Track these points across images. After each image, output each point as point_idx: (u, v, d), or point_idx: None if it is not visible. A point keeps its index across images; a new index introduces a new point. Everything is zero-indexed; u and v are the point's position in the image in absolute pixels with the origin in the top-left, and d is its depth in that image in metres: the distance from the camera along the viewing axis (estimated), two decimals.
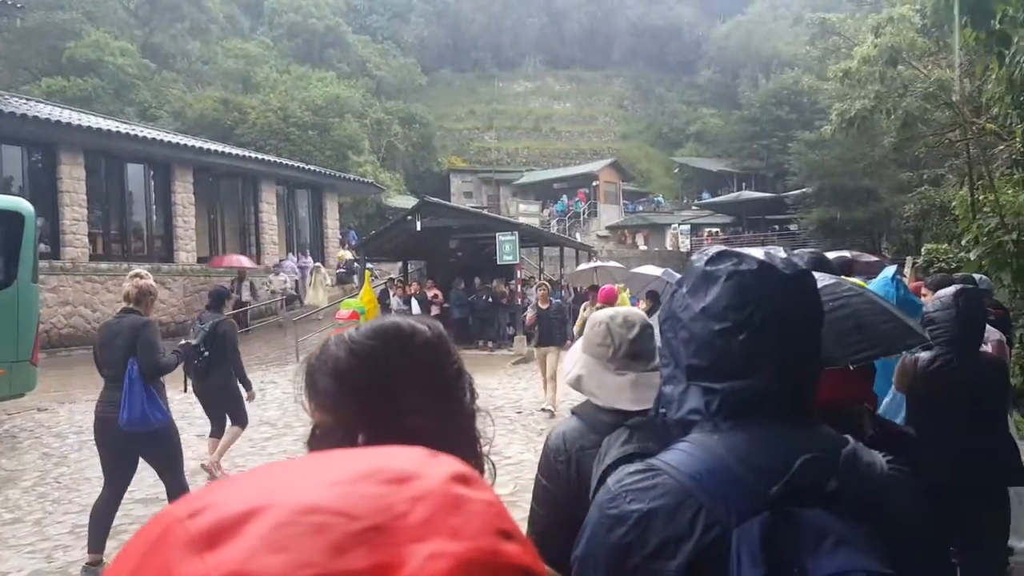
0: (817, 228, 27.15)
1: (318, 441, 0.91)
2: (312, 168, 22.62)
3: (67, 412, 9.68)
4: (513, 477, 6.40)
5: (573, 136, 45.94)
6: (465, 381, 0.98)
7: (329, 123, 29.82)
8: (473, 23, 50.14)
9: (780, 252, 1.06)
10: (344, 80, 36.29)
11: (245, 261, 18.59)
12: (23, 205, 8.95)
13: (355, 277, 19.62)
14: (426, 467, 0.42)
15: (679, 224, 33.03)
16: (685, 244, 31.05)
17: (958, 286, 3.17)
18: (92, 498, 4.86)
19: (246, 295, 17.74)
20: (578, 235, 31.41)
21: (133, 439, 4.53)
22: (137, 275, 4.97)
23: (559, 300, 11.20)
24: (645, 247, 32.73)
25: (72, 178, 15.66)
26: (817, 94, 27.95)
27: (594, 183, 36.40)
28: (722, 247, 1.05)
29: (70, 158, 15.62)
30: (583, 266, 17.10)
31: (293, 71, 36.07)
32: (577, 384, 1.81)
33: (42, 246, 11.55)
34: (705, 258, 1.04)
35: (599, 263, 17.30)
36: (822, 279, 1.67)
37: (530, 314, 10.58)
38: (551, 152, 44.24)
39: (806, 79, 33.26)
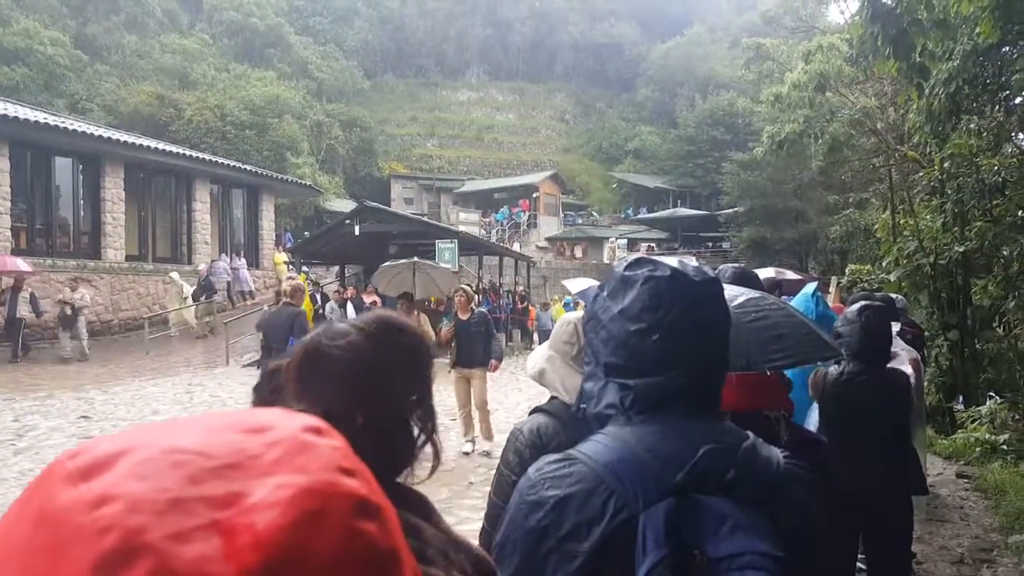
0: (748, 246, 28.01)
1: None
2: (248, 168, 22.26)
3: None
4: (445, 484, 6.44)
5: (515, 147, 46.40)
6: (432, 373, 1.05)
7: (267, 123, 29.38)
8: (417, 30, 50.11)
9: (692, 261, 1.16)
10: (284, 81, 35.79)
11: (22, 264, 14.08)
12: None
13: (210, 295, 17.68)
14: (282, 420, 0.48)
15: (616, 238, 33.84)
16: (622, 257, 31.78)
17: (863, 303, 3.32)
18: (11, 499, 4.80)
19: (23, 310, 13.75)
20: (518, 245, 31.81)
21: None
22: (291, 276, 8.98)
23: (485, 309, 9.10)
24: (583, 259, 33.39)
25: None
26: (751, 116, 28.62)
27: (534, 194, 36.94)
28: (640, 255, 1.30)
29: None
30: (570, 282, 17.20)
31: (232, 69, 35.36)
32: (540, 377, 1.86)
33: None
34: (624, 264, 1.12)
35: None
36: (746, 292, 1.89)
37: (445, 329, 8.31)
38: (492, 162, 44.58)
39: (741, 101, 34.28)
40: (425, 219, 25.08)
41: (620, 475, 0.96)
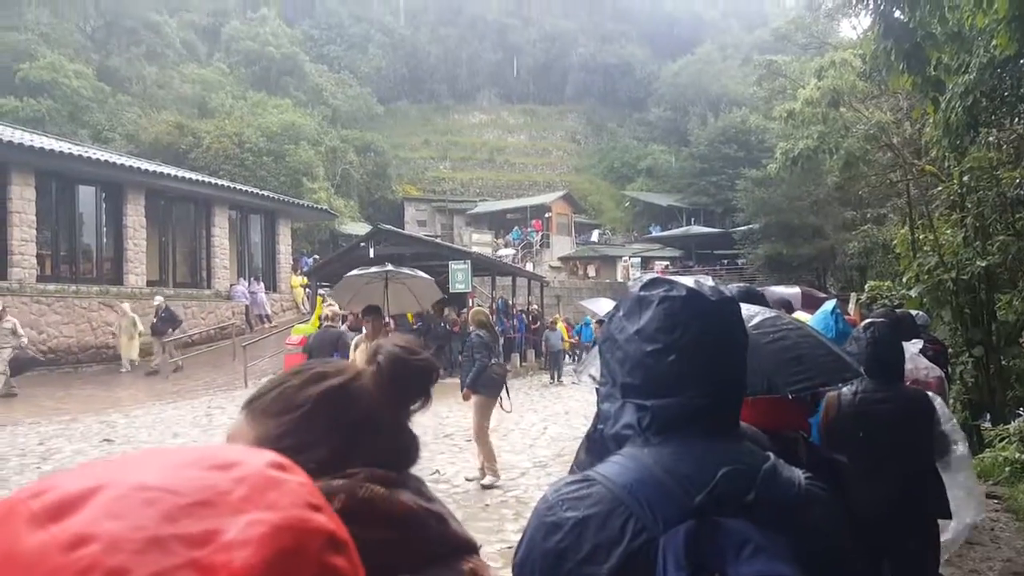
0: (764, 263, 27.76)
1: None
2: (266, 193, 22.57)
3: (10, 434, 9.43)
4: (461, 506, 6.40)
5: (526, 168, 46.71)
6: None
7: (284, 149, 29.78)
8: (429, 55, 50.79)
9: (708, 281, 1.16)
10: (300, 108, 36.31)
11: None
12: None
13: (172, 328, 16.19)
14: (247, 456, 0.49)
15: (630, 257, 33.78)
16: (636, 276, 31.73)
17: (869, 319, 3.27)
18: None
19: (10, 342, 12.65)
20: (531, 265, 31.87)
21: None
22: (330, 304, 10.15)
23: (477, 335, 7.59)
24: (596, 278, 33.36)
25: (22, 199, 15.40)
26: (764, 133, 28.63)
27: (547, 214, 37.11)
28: (655, 275, 1.29)
29: (21, 179, 15.37)
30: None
31: (249, 98, 35.93)
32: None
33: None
34: (640, 284, 1.12)
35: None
36: (762, 312, 1.87)
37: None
38: (504, 183, 44.89)
39: (753, 118, 34.29)
40: (438, 240, 25.23)
41: (639, 497, 0.96)
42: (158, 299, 16.14)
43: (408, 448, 0.95)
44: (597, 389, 1.66)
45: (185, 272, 20.02)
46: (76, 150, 17.02)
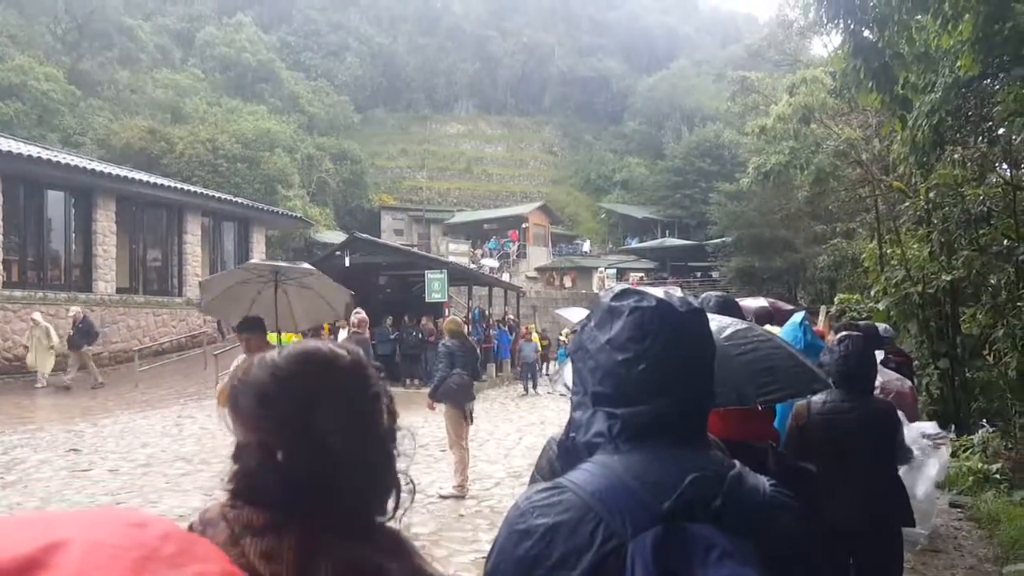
0: (736, 276, 28.01)
1: (240, 457, 0.95)
2: (239, 200, 22.31)
3: None
4: (435, 516, 6.39)
5: (504, 179, 46.86)
6: (383, 404, 1.01)
7: (259, 156, 29.50)
8: (407, 65, 50.79)
9: (677, 292, 1.18)
10: (276, 115, 36.03)
11: None
12: None
13: (89, 342, 14.97)
14: (145, 517, 0.52)
15: (606, 268, 33.99)
16: (611, 287, 31.86)
17: (843, 333, 3.32)
18: None
19: None
20: (508, 275, 31.90)
21: None
22: (357, 311, 9.06)
23: (445, 344, 7.85)
24: (572, 288, 33.50)
25: None
26: (737, 147, 28.96)
27: (523, 225, 37.23)
28: (626, 285, 1.23)
29: None
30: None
31: (224, 104, 35.56)
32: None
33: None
34: (611, 295, 1.13)
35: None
36: (734, 323, 1.89)
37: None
38: (481, 193, 44.96)
39: (727, 133, 34.77)
40: (415, 250, 25.15)
41: (608, 503, 0.97)
42: (74, 309, 15.03)
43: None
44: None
45: (156, 279, 19.69)
46: (45, 154, 16.65)
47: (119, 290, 18.02)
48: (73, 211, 17.40)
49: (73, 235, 17.44)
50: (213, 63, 40.12)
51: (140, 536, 0.47)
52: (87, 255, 17.38)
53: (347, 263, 17.11)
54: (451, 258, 27.26)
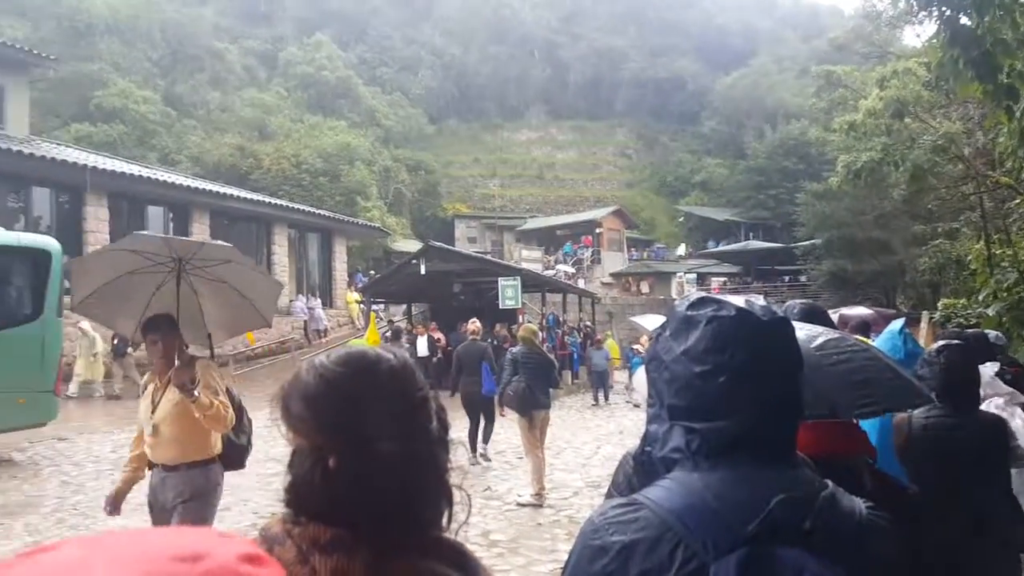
0: (828, 280, 26.67)
1: (294, 465, 0.95)
2: (322, 212, 23.13)
3: (85, 442, 9.85)
4: (513, 523, 6.35)
5: (576, 184, 46.65)
6: (431, 409, 1.00)
7: (339, 170, 30.57)
8: (479, 75, 51.45)
9: (759, 300, 1.11)
10: (354, 129, 37.24)
11: None
12: (51, 243, 9.26)
13: (129, 349, 14.49)
14: (216, 547, 0.48)
15: (685, 272, 33.15)
16: (691, 293, 31.04)
17: (943, 342, 3.10)
18: (107, 526, 5.11)
19: None
20: (582, 281, 31.73)
21: (483, 400, 8.84)
22: (473, 321, 10.21)
23: (511, 351, 8.20)
24: (650, 294, 32.93)
25: (97, 219, 16.19)
26: (824, 145, 27.52)
27: (597, 230, 36.88)
28: (703, 293, 1.14)
29: (95, 200, 16.18)
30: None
31: (306, 120, 37.07)
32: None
33: (67, 283, 11.56)
34: (687, 303, 1.09)
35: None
36: (825, 332, 1.80)
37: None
38: (554, 199, 44.96)
39: (813, 130, 33.27)
40: (488, 257, 25.37)
41: (688, 523, 0.93)
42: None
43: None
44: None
45: None
46: (146, 172, 17.82)
47: None
48: (171, 225, 18.47)
49: None
50: (295, 81, 41.88)
51: (182, 572, 0.44)
52: None
53: (423, 271, 17.46)
54: (524, 264, 27.38)
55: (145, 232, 3.84)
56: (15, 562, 0.45)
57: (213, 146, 30.96)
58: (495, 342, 17.44)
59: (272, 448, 9.75)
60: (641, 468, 1.22)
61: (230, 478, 7.89)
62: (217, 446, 3.69)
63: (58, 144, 19.41)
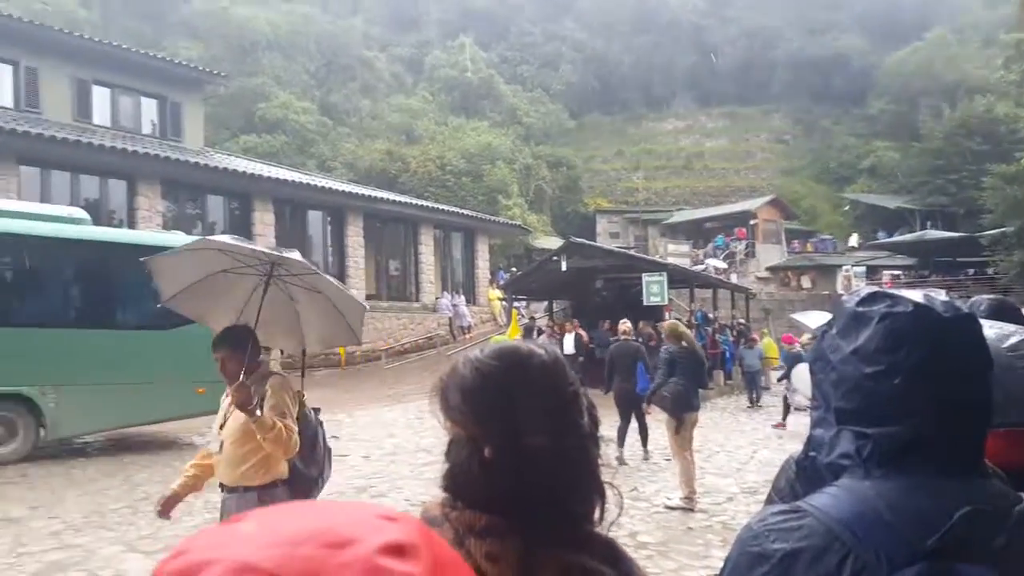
0: (1020, 272, 23.86)
1: (451, 453, 0.99)
2: (465, 212, 23.79)
3: None
4: (661, 526, 6.23)
5: (727, 173, 44.50)
6: (582, 404, 1.01)
7: (481, 169, 31.25)
8: (622, 65, 50.58)
9: (941, 295, 1.01)
10: (496, 129, 37.93)
11: None
12: None
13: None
14: (369, 533, 0.49)
15: (852, 266, 30.51)
16: (859, 287, 28.60)
17: None
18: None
19: None
20: (735, 276, 30.20)
21: (637, 399, 8.69)
22: (624, 321, 10.35)
23: (665, 350, 7.71)
24: (811, 289, 30.70)
25: (264, 223, 17.63)
26: (1016, 122, 24.74)
27: (752, 221, 34.84)
28: (874, 288, 1.04)
29: (262, 205, 17.61)
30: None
31: (450, 122, 38.30)
32: None
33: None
34: (857, 299, 1.02)
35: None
36: (1020, 331, 1.57)
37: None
38: (702, 190, 43.14)
39: (1001, 106, 29.85)
40: (631, 252, 24.78)
41: (858, 533, 0.87)
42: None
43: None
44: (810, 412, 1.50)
45: (396, 286, 21.63)
46: (305, 179, 19.15)
47: (367, 297, 20.00)
48: (329, 228, 19.72)
49: (329, 249, 19.76)
50: (439, 84, 43.38)
51: (316, 561, 0.45)
52: (341, 267, 19.56)
53: (564, 268, 17.29)
54: (670, 259, 26.44)
55: (223, 239, 3.82)
56: (213, 528, 0.52)
57: (364, 152, 32.78)
58: (639, 340, 16.95)
59: (423, 439, 10.20)
60: (804, 474, 1.15)
61: (384, 467, 8.40)
62: (282, 471, 3.42)
63: (228, 155, 21.36)
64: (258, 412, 3.19)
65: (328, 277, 3.94)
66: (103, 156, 14.72)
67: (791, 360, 13.17)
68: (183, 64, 19.74)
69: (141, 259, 3.83)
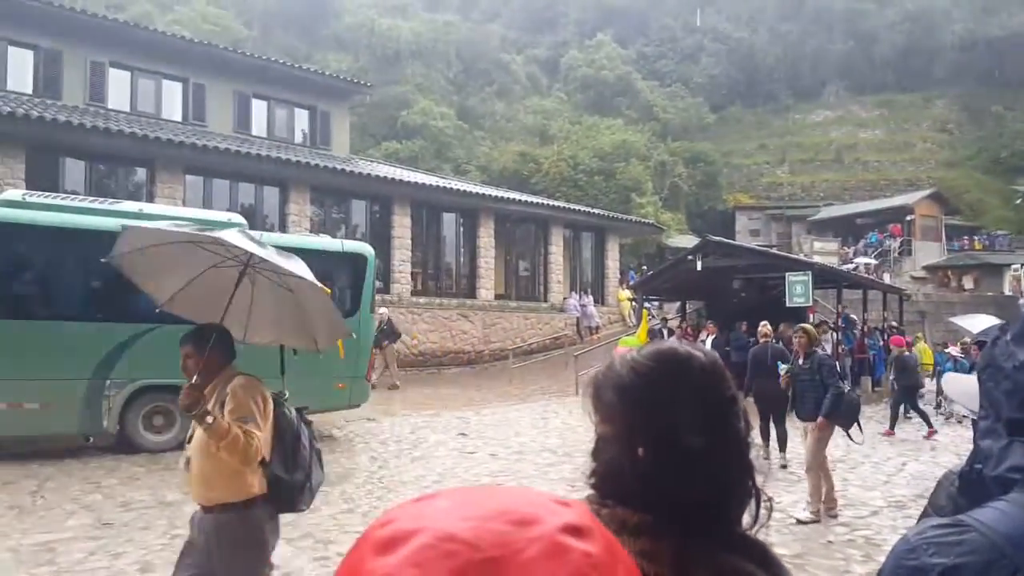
0: None
1: (601, 451, 1.01)
2: (595, 211, 23.69)
3: (389, 424, 11.20)
4: (798, 538, 5.99)
5: (882, 166, 41.32)
6: (739, 408, 1.01)
7: (614, 168, 30.96)
8: (767, 56, 48.34)
9: None
10: (631, 126, 37.46)
11: None
12: (366, 249, 10.72)
13: (390, 341, 15.17)
14: (548, 514, 0.53)
15: (1021, 266, 27.45)
16: None
17: None
18: (407, 497, 5.67)
19: None
20: (887, 276, 27.97)
21: (778, 398, 8.14)
22: (764, 324, 10.10)
23: (824, 354, 7.72)
24: (974, 290, 27.85)
25: (401, 226, 18.54)
26: None
27: (908, 217, 32.12)
28: None
29: (400, 209, 18.52)
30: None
31: (584, 121, 38.24)
32: None
33: (377, 283, 12.76)
34: None
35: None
36: None
37: (784, 374, 7.73)
38: (854, 185, 40.32)
39: None
40: (773, 250, 23.53)
41: None
42: (382, 310, 14.66)
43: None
44: (974, 422, 1.48)
45: (525, 286, 21.94)
46: (441, 182, 19.92)
47: (496, 296, 20.50)
48: (461, 229, 20.37)
49: (461, 250, 20.43)
50: (575, 84, 43.45)
51: (507, 535, 0.49)
52: (472, 267, 20.18)
53: (699, 267, 16.76)
54: (816, 258, 24.90)
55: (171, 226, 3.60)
56: (409, 502, 0.56)
57: (499, 154, 33.50)
58: (779, 342, 16.07)
59: (548, 439, 10.29)
60: (968, 487, 1.10)
61: (510, 464, 8.59)
62: (256, 485, 3.03)
63: (372, 161, 22.64)
64: (209, 419, 2.82)
65: (305, 280, 3.41)
66: (260, 165, 16.07)
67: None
68: (331, 76, 21.15)
69: (103, 259, 3.61)
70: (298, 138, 19.67)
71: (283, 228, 16.53)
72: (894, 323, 19.92)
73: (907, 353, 13.49)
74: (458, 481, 7.71)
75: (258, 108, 19.00)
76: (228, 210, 13.71)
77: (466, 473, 8.14)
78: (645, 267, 27.61)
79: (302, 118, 19.83)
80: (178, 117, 17.77)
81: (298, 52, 36.01)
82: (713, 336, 15.98)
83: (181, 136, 15.55)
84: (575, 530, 0.51)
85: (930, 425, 11.94)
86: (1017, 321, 0.99)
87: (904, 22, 46.16)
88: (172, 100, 17.87)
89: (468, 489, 0.58)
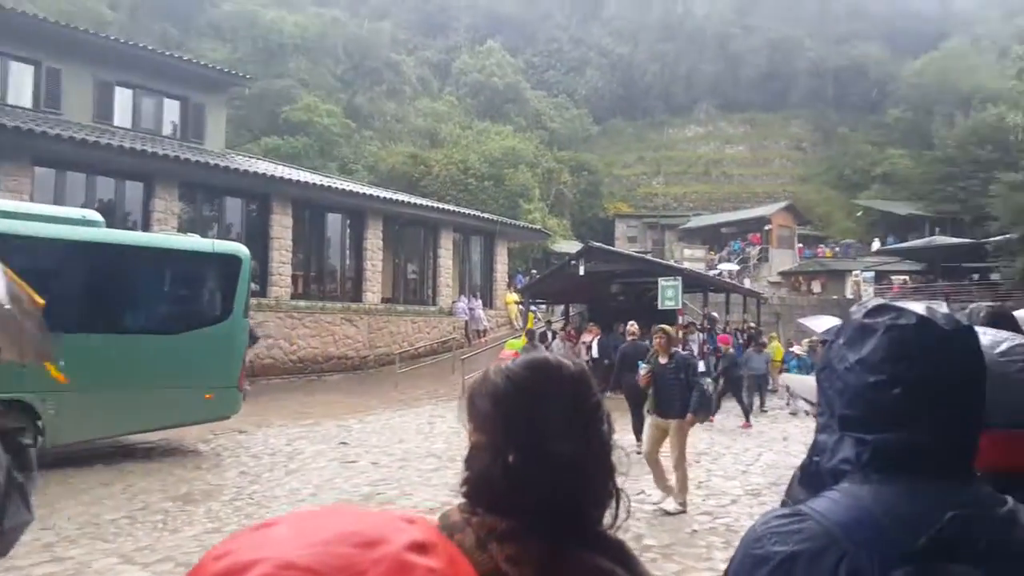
0: (1023, 278, 24.34)
1: (474, 459, 1.03)
2: (485, 216, 23.85)
3: (263, 435, 10.58)
4: (666, 529, 6.27)
5: (745, 179, 44.68)
6: (603, 414, 1.05)
7: (503, 174, 31.39)
8: (646, 73, 50.69)
9: (942, 307, 1.07)
10: (520, 133, 38.13)
11: None
12: (240, 249, 9.97)
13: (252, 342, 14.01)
14: (393, 532, 0.54)
15: (862, 271, 30.64)
16: (868, 293, 28.68)
17: None
18: (280, 513, 5.43)
19: None
20: (748, 281, 30.19)
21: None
22: (632, 323, 10.20)
23: (686, 354, 8.10)
24: (821, 294, 30.66)
25: (281, 226, 17.76)
26: None
27: (766, 227, 35.03)
28: (881, 300, 1.10)
29: (280, 208, 17.74)
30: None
31: (474, 126, 38.53)
32: None
33: (253, 285, 12.20)
34: (863, 310, 1.06)
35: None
36: (1011, 337, 1.61)
37: (643, 372, 7.59)
38: (720, 196, 43.38)
39: (1012, 115, 29.91)
40: (648, 257, 24.76)
41: (854, 536, 0.90)
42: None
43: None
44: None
45: (413, 290, 21.76)
46: (326, 181, 19.32)
47: (384, 300, 20.20)
48: (348, 230, 19.88)
49: (347, 252, 19.94)
50: (466, 89, 43.62)
51: (351, 558, 0.49)
52: (358, 269, 19.74)
53: (582, 272, 17.37)
54: (686, 264, 26.54)
55: None
56: (246, 531, 0.56)
57: (388, 155, 33.04)
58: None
59: (433, 445, 10.18)
60: (808, 478, 1.18)
61: (393, 472, 8.42)
62: None
63: (249, 157, 21.59)
64: None
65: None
66: (122, 157, 14.76)
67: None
68: (206, 66, 19.92)
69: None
70: (167, 130, 18.28)
71: (146, 226, 15.32)
72: (752, 324, 21.48)
73: (731, 350, 14.93)
74: (336, 492, 7.42)
75: (122, 96, 17.50)
76: (83, 206, 12.54)
77: (345, 484, 7.79)
78: (534, 271, 28.15)
79: (172, 109, 18.46)
80: (28, 103, 16.15)
81: (171, 40, 33.87)
82: (597, 337, 16.62)
83: (30, 124, 14.07)
84: (420, 547, 0.53)
85: (747, 417, 13.05)
86: (849, 327, 1.06)
87: (765, 48, 49.94)
88: (21, 84, 16.19)
89: (310, 513, 0.58)
